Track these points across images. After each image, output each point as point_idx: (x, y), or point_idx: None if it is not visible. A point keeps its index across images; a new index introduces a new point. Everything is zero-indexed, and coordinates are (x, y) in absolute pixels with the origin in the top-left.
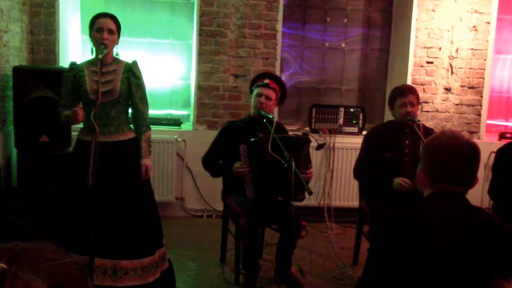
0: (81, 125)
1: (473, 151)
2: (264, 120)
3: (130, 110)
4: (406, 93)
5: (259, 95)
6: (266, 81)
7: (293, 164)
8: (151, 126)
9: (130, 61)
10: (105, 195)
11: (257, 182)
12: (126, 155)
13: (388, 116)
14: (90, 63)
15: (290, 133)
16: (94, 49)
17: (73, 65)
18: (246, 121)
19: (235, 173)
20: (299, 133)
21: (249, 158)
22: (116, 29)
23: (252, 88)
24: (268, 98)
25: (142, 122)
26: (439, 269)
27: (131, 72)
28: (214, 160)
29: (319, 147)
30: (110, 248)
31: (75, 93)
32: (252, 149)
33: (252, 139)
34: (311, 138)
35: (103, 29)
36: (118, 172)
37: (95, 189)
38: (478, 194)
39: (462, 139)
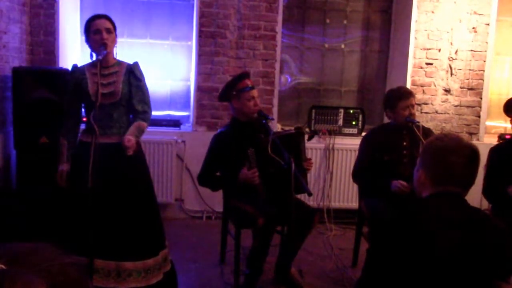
0: (82, 126)
1: (474, 153)
2: (264, 121)
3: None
4: (409, 96)
5: (249, 99)
6: (249, 83)
7: (293, 165)
8: (150, 127)
9: (131, 62)
10: (107, 196)
11: (269, 182)
12: (129, 157)
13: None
14: (92, 65)
15: (281, 131)
16: (93, 52)
17: (75, 68)
18: (236, 126)
19: (247, 180)
20: (292, 129)
21: (258, 160)
22: (113, 28)
23: (234, 93)
24: (256, 98)
25: (139, 115)
26: (438, 270)
27: (132, 73)
28: (212, 175)
29: (310, 137)
30: (114, 249)
31: (76, 97)
32: (261, 150)
33: (260, 141)
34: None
35: (100, 30)
36: (120, 173)
37: (94, 190)
38: (477, 196)
39: (463, 141)
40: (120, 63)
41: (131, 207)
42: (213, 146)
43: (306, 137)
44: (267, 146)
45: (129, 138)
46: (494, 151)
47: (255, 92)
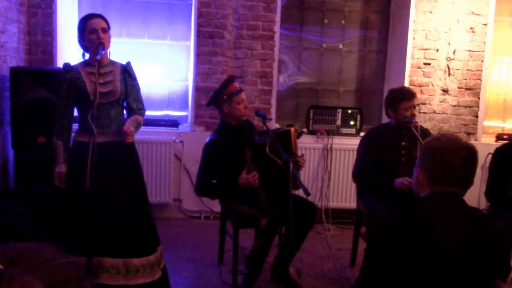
0: (77, 126)
1: (472, 153)
2: (264, 120)
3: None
4: (412, 97)
5: (240, 102)
6: (237, 86)
7: (291, 165)
8: (148, 127)
9: (123, 62)
10: (107, 195)
11: (268, 183)
12: (126, 155)
13: (386, 118)
14: (86, 64)
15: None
16: (87, 52)
17: (68, 67)
18: (228, 131)
19: (247, 184)
20: (283, 126)
21: (257, 163)
22: (107, 27)
23: (224, 97)
24: (245, 101)
25: (135, 111)
26: (437, 270)
27: (127, 73)
28: (211, 185)
29: (298, 135)
30: (120, 247)
31: (71, 96)
32: (259, 152)
33: (257, 143)
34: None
35: (97, 29)
36: (119, 170)
37: (92, 190)
38: (475, 196)
39: (461, 141)
40: (113, 62)
41: (131, 204)
42: (207, 155)
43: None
44: (263, 147)
45: (128, 126)
46: (499, 152)
47: (244, 95)
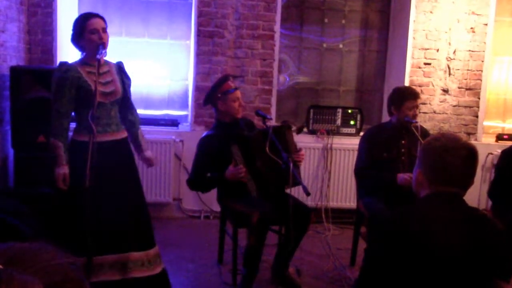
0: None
1: (472, 153)
2: (264, 120)
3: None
4: (416, 96)
5: (235, 100)
6: (232, 85)
7: (291, 165)
8: (148, 126)
9: (115, 62)
10: (107, 194)
11: (258, 178)
12: (126, 152)
13: (386, 117)
14: (83, 64)
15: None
16: (83, 52)
17: (67, 65)
18: (222, 128)
19: (234, 177)
20: (279, 124)
21: (244, 157)
22: (106, 27)
23: (219, 95)
24: (241, 99)
25: (137, 118)
26: (437, 270)
27: (123, 72)
28: (202, 178)
29: (299, 130)
30: (141, 240)
31: (72, 96)
32: (246, 146)
33: (243, 136)
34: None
35: (98, 29)
36: (118, 169)
37: (92, 189)
38: (475, 196)
39: (461, 140)
40: (107, 62)
41: (133, 199)
42: (200, 150)
43: (295, 130)
44: (248, 140)
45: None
46: (506, 153)
47: (238, 93)
